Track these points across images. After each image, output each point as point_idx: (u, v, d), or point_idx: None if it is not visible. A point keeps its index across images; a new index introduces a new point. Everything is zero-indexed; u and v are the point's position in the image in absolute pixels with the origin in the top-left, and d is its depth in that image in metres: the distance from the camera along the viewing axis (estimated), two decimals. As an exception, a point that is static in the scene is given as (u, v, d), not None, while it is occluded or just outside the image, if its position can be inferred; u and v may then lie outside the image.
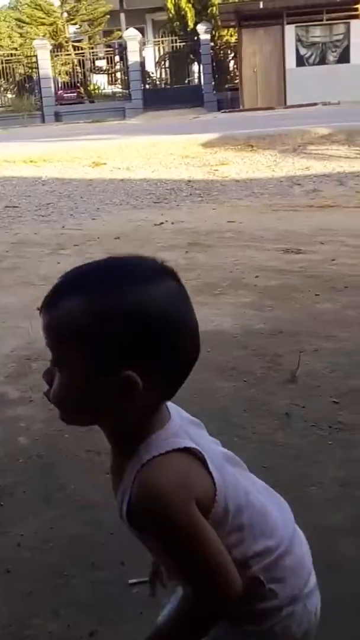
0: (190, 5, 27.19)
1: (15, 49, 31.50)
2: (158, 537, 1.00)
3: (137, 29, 27.65)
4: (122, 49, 28.30)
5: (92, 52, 30.17)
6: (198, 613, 1.01)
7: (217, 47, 27.31)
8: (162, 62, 29.73)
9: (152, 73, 29.75)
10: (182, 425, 1.05)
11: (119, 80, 30.36)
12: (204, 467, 1.01)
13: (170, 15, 27.91)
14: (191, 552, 0.97)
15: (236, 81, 25.94)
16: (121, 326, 0.96)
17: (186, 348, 1.02)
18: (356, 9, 22.71)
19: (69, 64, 29.03)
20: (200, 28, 26.03)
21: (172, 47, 28.64)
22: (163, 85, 29.68)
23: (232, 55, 27.61)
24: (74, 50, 29.30)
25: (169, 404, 1.08)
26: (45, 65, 27.26)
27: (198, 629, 1.04)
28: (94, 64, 30.25)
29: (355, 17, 22.89)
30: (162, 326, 0.98)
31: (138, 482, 0.98)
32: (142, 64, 27.93)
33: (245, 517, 1.05)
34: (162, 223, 7.06)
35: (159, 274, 1.02)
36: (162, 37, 29.68)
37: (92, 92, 29.46)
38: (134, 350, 0.97)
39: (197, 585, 1.00)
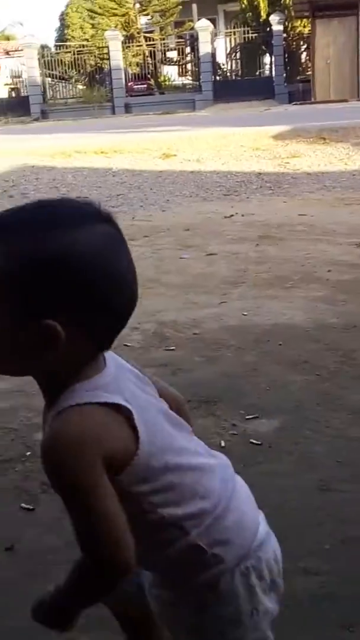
0: (263, -5, 26.95)
1: (87, 40, 31.97)
2: (58, 493, 0.93)
3: (209, 19, 27.61)
4: (194, 40, 28.31)
5: (163, 43, 30.31)
6: (89, 577, 0.96)
7: (290, 38, 26.98)
8: (234, 54, 29.58)
9: (223, 64, 29.63)
10: (117, 377, 0.99)
11: (189, 72, 30.39)
12: (128, 422, 0.95)
13: (243, 5, 27.72)
14: (83, 513, 0.91)
15: (308, 73, 25.61)
16: (43, 274, 0.91)
17: (115, 297, 0.96)
18: None
19: (139, 55, 29.24)
20: (273, 19, 25.78)
21: (244, 38, 28.47)
22: (234, 77, 29.55)
23: (305, 46, 27.24)
24: (145, 41, 29.49)
25: (113, 355, 1.03)
26: (117, 57, 27.53)
27: (90, 594, 0.99)
28: (164, 55, 30.38)
29: None
30: (87, 275, 0.92)
31: (49, 431, 0.94)
32: (213, 55, 27.85)
33: (175, 477, 1.00)
34: (232, 215, 7.05)
35: (90, 218, 0.97)
36: (234, 28, 29.53)
37: (163, 83, 29.59)
38: (56, 299, 0.91)
39: (84, 547, 0.94)
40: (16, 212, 0.97)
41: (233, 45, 29.50)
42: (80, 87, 31.56)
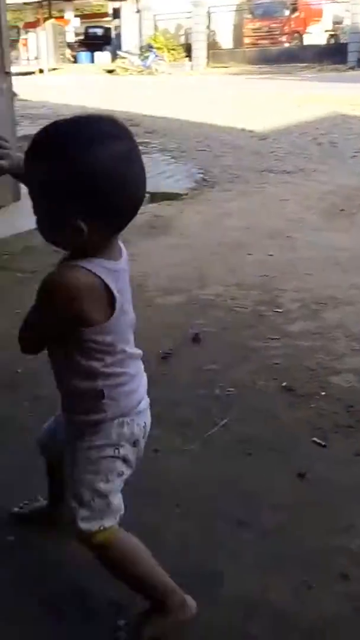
0: None
1: None
2: (37, 298, 1.34)
3: None
4: None
5: None
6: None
7: None
8: None
9: None
10: (120, 272, 1.37)
11: None
12: (109, 300, 1.34)
13: None
14: (34, 317, 1.38)
15: None
16: (72, 182, 1.24)
17: (126, 201, 1.31)
18: None
19: None
20: None
21: None
22: None
23: None
24: None
25: (125, 253, 1.42)
26: None
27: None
28: None
29: None
30: (105, 182, 1.25)
31: (57, 269, 1.35)
32: None
33: (117, 351, 1.40)
34: None
35: (112, 136, 1.28)
36: None
37: None
38: (79, 202, 1.25)
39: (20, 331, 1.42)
40: (54, 134, 1.28)
41: None
42: None
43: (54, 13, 30.08)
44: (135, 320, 1.47)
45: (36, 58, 27.77)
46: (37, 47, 27.95)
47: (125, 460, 1.47)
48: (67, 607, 1.62)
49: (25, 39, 28.12)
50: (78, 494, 1.45)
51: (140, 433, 1.48)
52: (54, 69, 25.79)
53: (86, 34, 29.47)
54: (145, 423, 1.50)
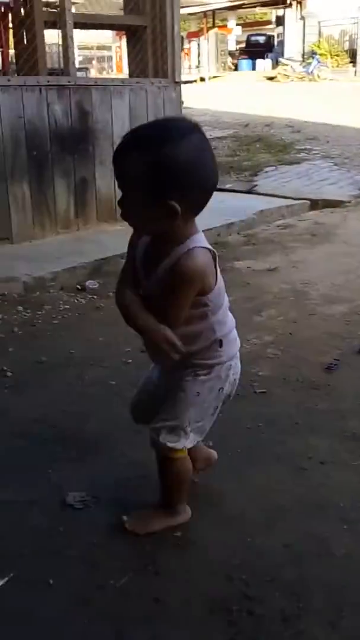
0: None
1: None
2: (171, 286, 1.56)
3: None
4: None
5: None
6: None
7: None
8: None
9: None
10: (204, 237, 1.61)
11: None
12: (215, 264, 1.62)
13: None
14: (177, 300, 1.57)
15: None
16: (162, 172, 1.47)
17: (205, 182, 1.55)
18: None
19: None
20: None
21: None
22: None
23: None
24: None
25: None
26: None
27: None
28: None
29: None
30: (187, 169, 1.49)
31: (185, 257, 1.54)
32: None
33: (222, 309, 1.69)
34: None
35: (188, 131, 1.51)
36: None
37: None
38: (171, 187, 1.48)
39: (166, 315, 1.59)
40: (142, 133, 1.54)
41: None
42: None
43: (217, 22, 30.56)
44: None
45: (197, 66, 28.38)
46: (198, 55, 28.57)
47: (224, 396, 1.76)
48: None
49: (188, 48, 28.81)
50: (180, 423, 1.72)
51: (238, 373, 1.79)
52: (215, 77, 26.20)
53: (248, 41, 29.68)
54: (239, 368, 1.80)
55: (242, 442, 2.27)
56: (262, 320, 3.44)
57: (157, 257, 1.60)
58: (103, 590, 1.60)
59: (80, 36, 5.01)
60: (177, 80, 5.84)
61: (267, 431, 2.34)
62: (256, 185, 7.09)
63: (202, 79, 25.73)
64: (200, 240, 1.58)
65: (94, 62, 30.06)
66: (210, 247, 1.60)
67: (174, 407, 1.72)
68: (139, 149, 1.50)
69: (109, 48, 30.95)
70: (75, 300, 3.77)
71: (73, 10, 5.13)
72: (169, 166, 1.47)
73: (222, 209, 5.89)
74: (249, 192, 6.85)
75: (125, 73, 24.45)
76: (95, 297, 3.83)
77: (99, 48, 30.18)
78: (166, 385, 1.78)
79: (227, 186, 6.98)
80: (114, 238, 4.93)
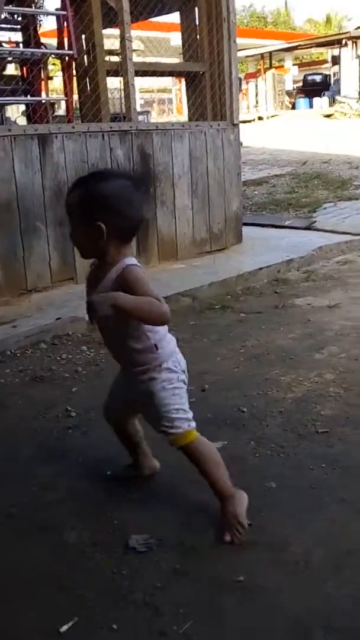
0: None
1: None
2: (132, 288, 1.91)
3: None
4: None
5: None
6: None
7: None
8: None
9: None
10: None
11: None
12: None
13: None
14: (143, 287, 1.92)
15: None
16: (93, 203, 1.93)
17: (127, 212, 1.95)
18: None
19: None
20: None
21: None
22: None
23: None
24: None
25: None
26: None
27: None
28: None
29: None
30: (110, 199, 1.93)
31: (124, 272, 1.93)
32: None
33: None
34: None
35: (115, 176, 2.07)
36: None
37: None
38: (98, 211, 1.92)
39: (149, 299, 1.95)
40: (83, 177, 2.02)
41: None
42: None
43: (274, 63, 30.97)
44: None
45: (255, 106, 28.73)
46: (256, 95, 28.94)
47: (184, 382, 2.11)
48: None
49: (246, 89, 29.25)
50: (166, 417, 2.04)
51: (184, 364, 2.12)
52: (273, 116, 26.44)
53: (305, 81, 29.92)
54: (184, 361, 2.13)
55: (304, 483, 2.23)
56: (324, 357, 3.40)
57: (96, 280, 2.01)
58: (166, 636, 1.59)
59: (141, 80, 5.18)
60: (235, 122, 5.93)
61: (330, 472, 2.30)
62: (315, 222, 7.07)
63: (260, 118, 26.02)
64: (132, 260, 1.98)
65: (155, 104, 30.79)
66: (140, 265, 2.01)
67: (157, 409, 2.06)
68: (77, 187, 1.99)
69: (169, 91, 31.70)
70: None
71: (134, 57, 5.29)
72: (96, 196, 1.94)
73: (281, 245, 5.91)
74: (307, 228, 6.83)
75: (184, 114, 24.96)
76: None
77: (159, 91, 30.93)
78: (128, 385, 2.14)
79: (286, 223, 6.99)
80: (175, 276, 5.00)
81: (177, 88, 29.91)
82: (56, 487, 2.29)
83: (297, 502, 2.12)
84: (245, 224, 6.34)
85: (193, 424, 2.08)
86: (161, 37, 21.10)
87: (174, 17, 6.81)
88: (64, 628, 1.62)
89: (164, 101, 32.26)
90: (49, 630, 1.62)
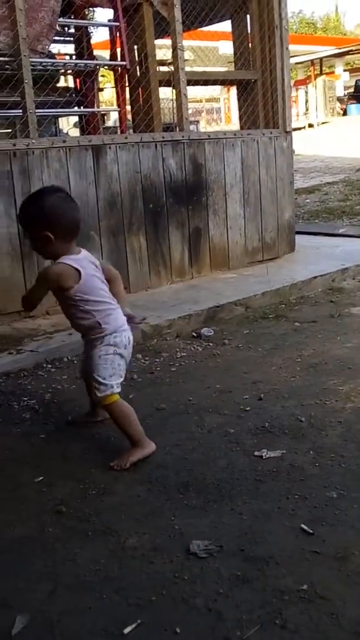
0: None
1: None
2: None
3: None
4: None
5: None
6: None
7: None
8: None
9: None
10: (82, 259, 2.57)
11: None
12: (78, 273, 2.51)
13: None
14: (34, 284, 2.64)
15: None
16: (37, 216, 2.50)
17: (67, 222, 2.54)
18: None
19: None
20: None
21: None
22: None
23: None
24: None
25: (87, 254, 2.64)
26: None
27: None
28: None
29: None
30: (53, 213, 2.49)
31: (52, 265, 2.57)
32: None
33: (95, 297, 2.56)
34: None
35: (52, 192, 2.63)
36: None
37: None
38: (45, 224, 2.48)
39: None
40: (30, 197, 2.63)
41: None
42: None
43: (325, 69, 30.75)
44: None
45: (305, 113, 28.54)
46: (306, 102, 28.75)
47: (120, 356, 2.60)
48: None
49: (296, 96, 29.11)
50: (96, 380, 2.56)
51: (126, 341, 2.62)
52: (324, 123, 26.24)
53: (356, 86, 29.59)
54: (129, 338, 2.64)
55: (367, 493, 2.20)
56: (383, 367, 3.36)
57: None
58: (229, 642, 1.59)
59: (189, 90, 5.21)
60: (287, 129, 5.92)
61: (393, 483, 2.26)
62: (370, 229, 6.98)
63: (311, 125, 25.85)
64: (68, 259, 2.53)
65: (203, 114, 30.91)
66: (76, 265, 2.51)
67: (93, 369, 2.57)
68: (25, 206, 2.60)
69: (217, 100, 31.78)
70: (192, 348, 3.84)
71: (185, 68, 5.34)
72: (40, 211, 2.50)
73: (335, 254, 5.85)
74: (362, 236, 6.76)
75: (233, 123, 24.91)
76: (210, 344, 3.89)
77: (207, 100, 31.05)
78: (84, 349, 2.74)
79: (340, 231, 6.92)
80: (227, 285, 5.00)
81: (225, 97, 29.98)
82: (114, 491, 2.32)
83: (358, 512, 2.10)
84: (298, 233, 6.30)
85: (117, 389, 2.57)
86: (210, 46, 21.23)
87: (223, 26, 6.85)
88: (128, 630, 1.64)
89: (212, 110, 32.35)
90: (113, 631, 1.64)
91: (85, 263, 2.56)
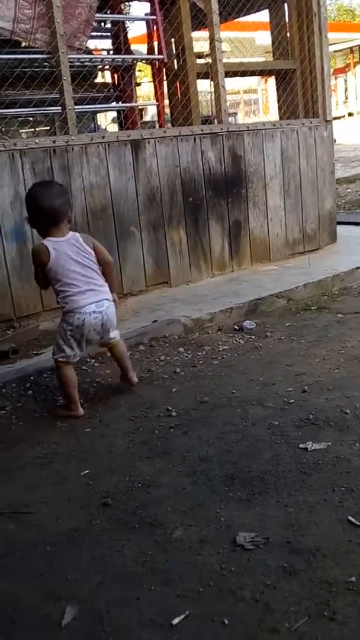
0: None
1: None
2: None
3: None
4: None
5: None
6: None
7: None
8: None
9: None
10: (59, 241, 3.01)
11: None
12: (48, 252, 2.98)
13: None
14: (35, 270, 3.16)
15: None
16: (27, 204, 3.14)
17: (38, 210, 3.05)
18: None
19: None
20: None
21: None
22: None
23: None
24: None
25: (76, 234, 3.10)
26: None
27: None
28: None
29: None
30: (28, 202, 3.11)
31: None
32: None
33: (62, 277, 2.99)
34: None
35: (35, 185, 3.33)
36: None
37: None
38: (27, 211, 3.12)
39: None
40: (29, 190, 3.27)
41: None
42: None
43: (364, 56, 30.25)
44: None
45: (344, 102, 28.12)
46: (345, 90, 28.32)
47: (72, 332, 3.01)
48: None
49: (335, 84, 28.70)
50: (55, 343, 3.06)
51: (79, 322, 3.00)
52: (364, 111, 25.84)
53: None
54: (83, 320, 3.01)
55: None
56: None
57: None
58: (278, 634, 1.59)
59: (227, 81, 5.15)
60: (328, 119, 5.85)
61: None
62: None
63: (351, 114, 25.48)
64: (47, 240, 3.01)
65: (241, 105, 30.71)
66: (49, 245, 2.98)
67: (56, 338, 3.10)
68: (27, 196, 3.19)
69: (255, 91, 31.54)
70: (234, 341, 3.83)
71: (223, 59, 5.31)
72: (26, 202, 3.14)
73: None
74: None
75: (272, 114, 24.67)
76: (253, 337, 3.87)
77: (245, 92, 30.83)
78: None
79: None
80: (268, 278, 4.97)
81: (263, 88, 29.72)
82: (160, 484, 2.34)
83: None
84: (339, 223, 6.22)
85: (62, 359, 3.02)
86: (247, 36, 21.06)
87: (260, 16, 6.78)
88: (176, 621, 1.65)
89: (250, 102, 32.12)
90: (162, 622, 1.66)
91: (63, 245, 2.99)
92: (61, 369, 3.03)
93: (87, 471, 2.48)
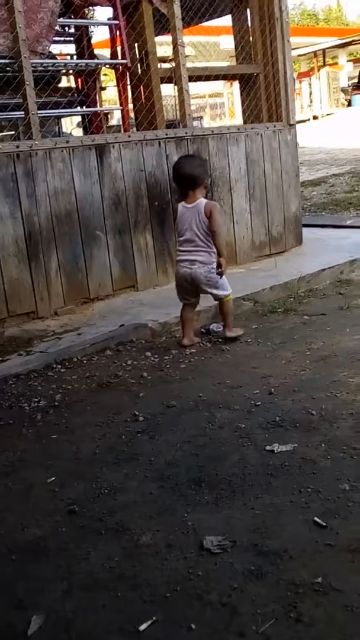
0: None
1: None
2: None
3: None
4: None
5: None
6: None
7: None
8: None
9: None
10: (186, 207, 3.83)
11: None
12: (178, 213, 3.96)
13: None
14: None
15: None
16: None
17: (176, 178, 3.92)
18: None
19: None
20: None
21: None
22: None
23: None
24: None
25: (197, 205, 3.82)
26: None
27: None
28: None
29: None
30: (173, 170, 3.97)
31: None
32: None
33: (179, 235, 3.89)
34: None
35: (184, 156, 4.38)
36: None
37: None
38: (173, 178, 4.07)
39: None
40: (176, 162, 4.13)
41: None
42: None
43: (328, 60, 30.58)
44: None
45: (309, 105, 28.43)
46: (310, 94, 28.64)
47: (176, 279, 3.94)
48: None
49: (299, 88, 28.99)
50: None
51: (178, 272, 3.88)
52: (328, 114, 26.11)
53: (360, 77, 29.45)
54: (178, 271, 3.87)
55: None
56: (391, 358, 3.34)
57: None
58: (244, 637, 1.59)
59: (192, 86, 5.19)
60: (291, 122, 5.90)
61: None
62: (377, 220, 6.94)
63: (315, 117, 25.74)
64: (180, 204, 3.82)
65: (207, 109, 30.84)
66: (179, 208, 3.84)
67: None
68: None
69: (221, 95, 31.70)
70: (201, 344, 3.84)
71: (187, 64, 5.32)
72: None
73: (343, 246, 5.83)
74: (369, 227, 6.72)
75: (237, 118, 24.83)
76: (220, 340, 3.88)
77: (211, 96, 30.97)
78: None
79: (348, 222, 6.89)
80: (235, 280, 4.97)
81: (229, 92, 29.90)
82: (126, 489, 2.32)
83: (371, 503, 2.09)
84: (305, 225, 6.28)
85: (180, 300, 3.89)
86: (211, 41, 21.17)
87: (224, 21, 6.83)
88: (143, 627, 1.65)
89: (216, 106, 32.27)
90: (129, 629, 1.65)
91: (186, 211, 3.78)
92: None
93: (53, 478, 2.46)
